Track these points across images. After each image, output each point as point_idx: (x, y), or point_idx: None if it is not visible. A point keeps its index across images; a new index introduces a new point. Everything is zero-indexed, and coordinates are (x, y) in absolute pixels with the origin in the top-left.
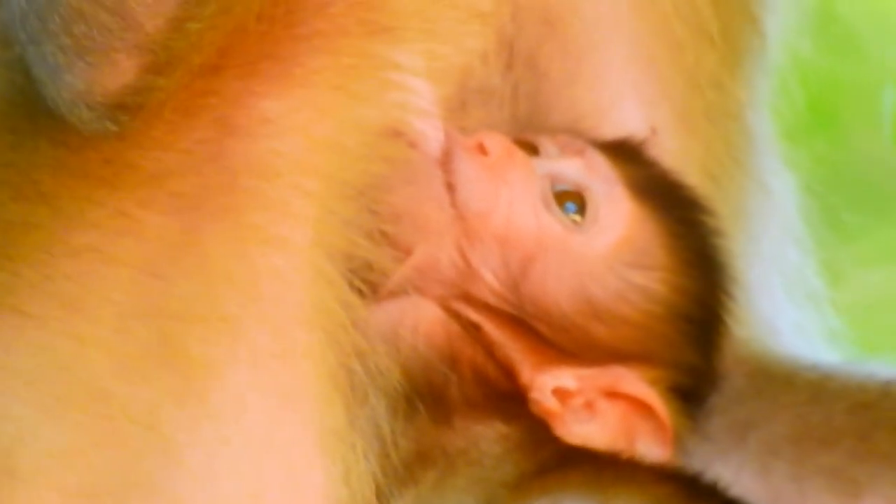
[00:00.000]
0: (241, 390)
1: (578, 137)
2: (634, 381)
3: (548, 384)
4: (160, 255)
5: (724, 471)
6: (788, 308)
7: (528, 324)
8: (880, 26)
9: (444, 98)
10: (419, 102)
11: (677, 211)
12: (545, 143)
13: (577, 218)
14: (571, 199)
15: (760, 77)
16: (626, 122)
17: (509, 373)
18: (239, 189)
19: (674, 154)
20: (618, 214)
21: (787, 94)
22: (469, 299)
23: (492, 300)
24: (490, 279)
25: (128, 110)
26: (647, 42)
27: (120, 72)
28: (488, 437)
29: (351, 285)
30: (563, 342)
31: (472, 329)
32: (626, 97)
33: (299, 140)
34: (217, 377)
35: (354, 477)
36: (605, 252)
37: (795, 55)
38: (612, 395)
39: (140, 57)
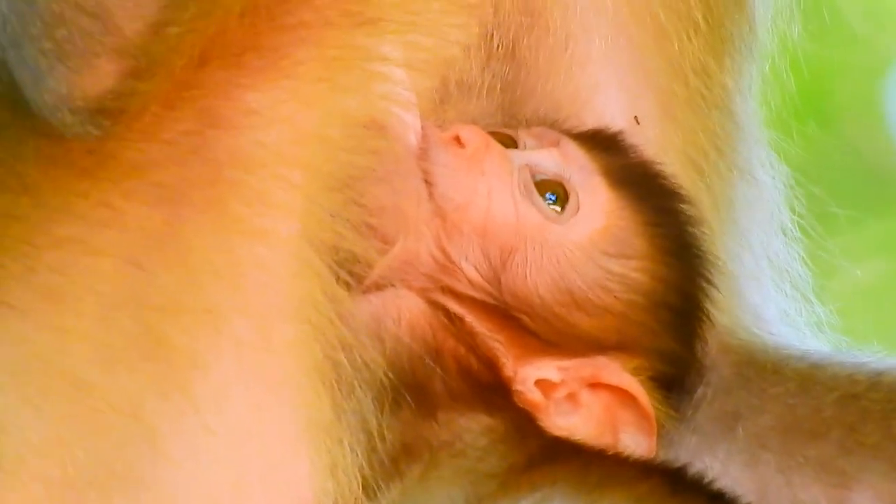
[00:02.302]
0: (225, 382)
1: (553, 129)
2: (616, 371)
3: (530, 376)
4: (144, 247)
5: (712, 462)
6: (776, 298)
7: (510, 315)
8: (872, 12)
9: (427, 90)
10: (403, 94)
11: (655, 200)
12: (521, 136)
13: (557, 208)
14: (552, 190)
15: (748, 64)
16: (608, 111)
17: (492, 365)
18: (223, 180)
19: (656, 144)
20: (596, 204)
21: (777, 82)
22: (451, 291)
23: (473, 292)
24: (470, 271)
25: (109, 114)
26: (630, 30)
27: (101, 76)
28: (473, 429)
29: (337, 278)
30: (545, 333)
31: (455, 321)
32: (607, 86)
33: (284, 132)
34: (201, 368)
35: (341, 470)
36: (583, 242)
37: (785, 41)
38: (595, 385)
39: (121, 61)
